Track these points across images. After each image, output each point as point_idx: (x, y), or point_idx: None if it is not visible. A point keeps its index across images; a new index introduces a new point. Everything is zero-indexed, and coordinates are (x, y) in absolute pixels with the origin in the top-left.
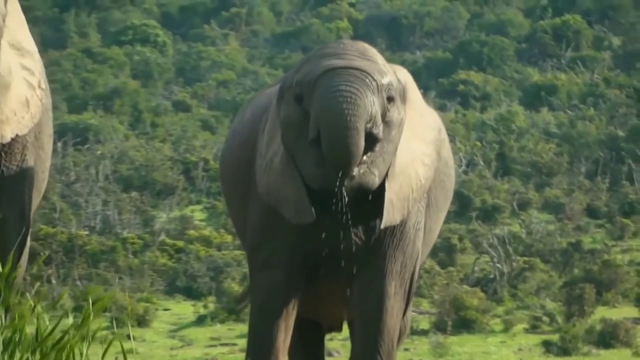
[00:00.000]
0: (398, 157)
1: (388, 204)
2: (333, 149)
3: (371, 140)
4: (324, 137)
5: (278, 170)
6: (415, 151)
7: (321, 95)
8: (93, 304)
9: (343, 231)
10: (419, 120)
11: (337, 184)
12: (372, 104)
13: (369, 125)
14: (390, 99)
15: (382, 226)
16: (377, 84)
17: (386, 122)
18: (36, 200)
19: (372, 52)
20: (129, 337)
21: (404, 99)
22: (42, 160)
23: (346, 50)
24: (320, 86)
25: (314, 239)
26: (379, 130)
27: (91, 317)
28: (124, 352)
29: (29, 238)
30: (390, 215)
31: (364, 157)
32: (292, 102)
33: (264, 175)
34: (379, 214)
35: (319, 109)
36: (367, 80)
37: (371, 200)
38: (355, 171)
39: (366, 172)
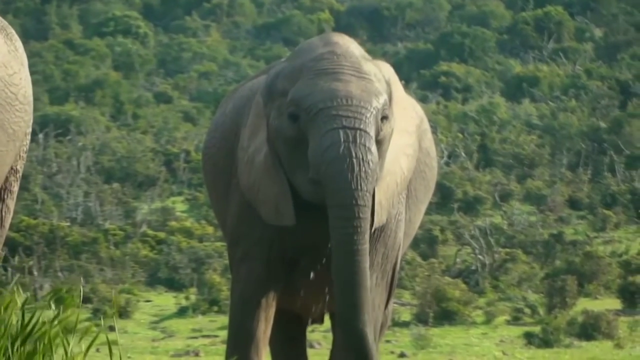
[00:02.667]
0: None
1: (377, 206)
2: (341, 213)
3: None
4: (331, 200)
5: (261, 168)
6: (398, 144)
7: (325, 151)
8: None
9: (324, 227)
10: (402, 113)
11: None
12: (374, 147)
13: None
14: (384, 118)
15: (372, 229)
16: (375, 112)
17: (379, 141)
18: None
19: (365, 64)
20: (111, 328)
21: (391, 101)
22: None
23: (341, 65)
24: (321, 128)
25: (294, 232)
26: (376, 164)
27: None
28: (109, 344)
29: None
30: (379, 217)
31: None
32: (286, 117)
33: (245, 170)
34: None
35: (326, 171)
36: (368, 114)
37: None
38: None
39: None
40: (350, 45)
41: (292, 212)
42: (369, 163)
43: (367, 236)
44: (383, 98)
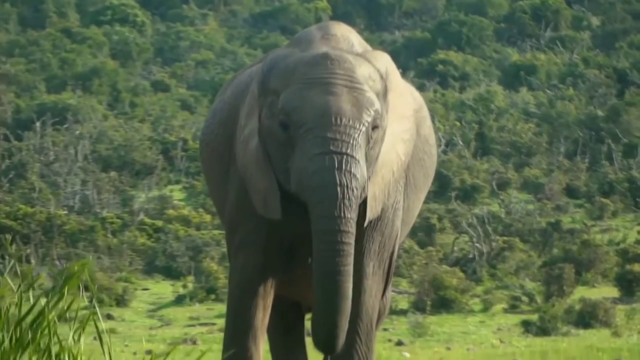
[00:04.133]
0: (381, 151)
1: (371, 200)
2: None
3: None
4: (314, 225)
5: (252, 157)
6: (394, 132)
7: (310, 176)
8: (67, 280)
9: None
10: (398, 99)
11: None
12: (361, 168)
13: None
14: (375, 127)
15: (366, 223)
16: (365, 127)
17: (370, 149)
18: None
19: (359, 69)
20: (108, 316)
21: (386, 97)
22: None
23: (334, 74)
24: (309, 150)
25: (291, 221)
26: (362, 188)
27: (65, 294)
28: (99, 333)
29: None
30: (372, 210)
31: None
32: (277, 124)
33: (240, 149)
34: (361, 207)
35: (310, 197)
36: (357, 134)
37: None
38: None
39: None
40: (348, 37)
41: (279, 208)
42: (353, 190)
43: (350, 259)
44: (374, 108)
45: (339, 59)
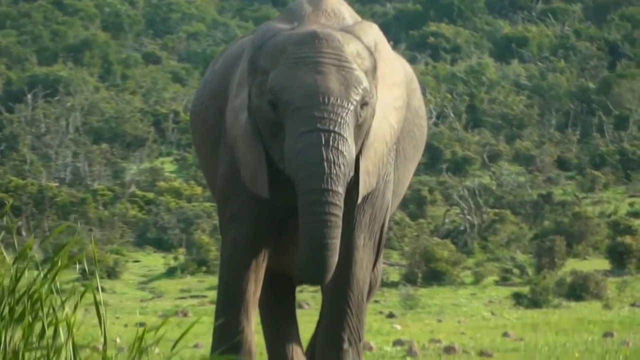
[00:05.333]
0: (372, 125)
1: (364, 175)
2: (312, 231)
3: None
4: (301, 199)
5: (242, 131)
6: (386, 102)
7: (297, 154)
8: (58, 251)
9: None
10: (387, 68)
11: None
12: (348, 146)
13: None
14: (364, 105)
15: (360, 199)
16: (353, 106)
17: (359, 126)
18: None
19: (347, 46)
20: (99, 288)
21: (375, 73)
22: None
23: (322, 53)
24: (296, 129)
25: (282, 193)
26: (348, 165)
27: (59, 266)
28: (97, 304)
29: None
30: (366, 185)
31: None
32: (266, 102)
33: (230, 118)
34: (354, 183)
35: (298, 173)
36: (345, 113)
37: None
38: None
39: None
40: (340, 10)
41: (267, 187)
42: (340, 166)
43: (337, 232)
44: (363, 87)
45: (327, 38)
